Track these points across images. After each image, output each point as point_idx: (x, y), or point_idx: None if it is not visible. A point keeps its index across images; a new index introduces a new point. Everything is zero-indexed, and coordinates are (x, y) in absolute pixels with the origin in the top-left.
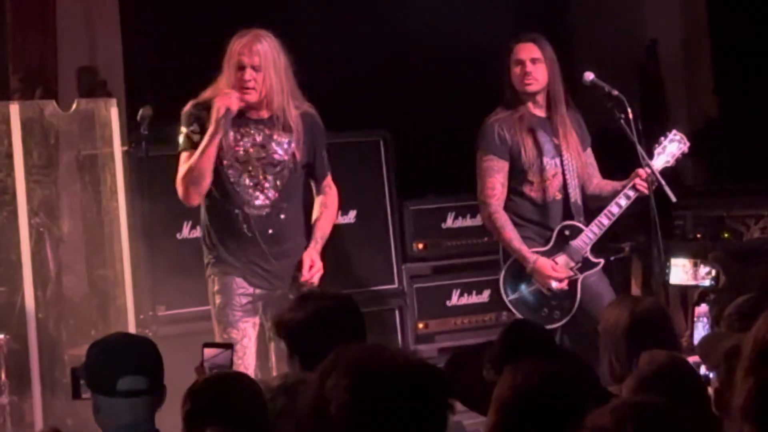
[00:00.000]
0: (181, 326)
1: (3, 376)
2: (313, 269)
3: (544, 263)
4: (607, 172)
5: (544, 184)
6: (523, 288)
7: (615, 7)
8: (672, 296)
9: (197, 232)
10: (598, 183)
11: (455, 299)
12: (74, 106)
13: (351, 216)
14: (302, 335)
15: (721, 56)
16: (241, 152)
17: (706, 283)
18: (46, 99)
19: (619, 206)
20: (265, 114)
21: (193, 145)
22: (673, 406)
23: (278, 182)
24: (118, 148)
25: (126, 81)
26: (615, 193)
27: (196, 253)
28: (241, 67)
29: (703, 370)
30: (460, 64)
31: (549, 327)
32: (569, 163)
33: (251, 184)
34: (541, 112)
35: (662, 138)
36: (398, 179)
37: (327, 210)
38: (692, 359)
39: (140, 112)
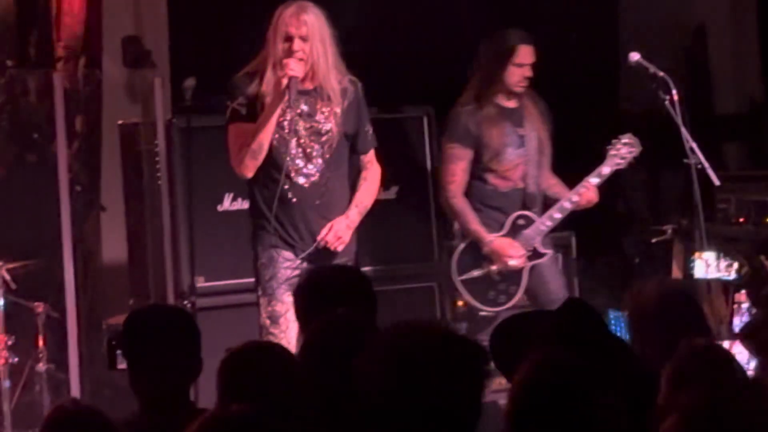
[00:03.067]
0: (220, 298)
1: (41, 344)
2: (329, 235)
3: (501, 242)
4: (650, 155)
5: (506, 174)
6: (474, 270)
7: None
8: (713, 282)
9: (238, 204)
10: (546, 180)
11: None
12: (118, 75)
13: (392, 192)
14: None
15: None
16: (289, 122)
17: (730, 276)
18: (90, 68)
19: (572, 203)
20: (309, 85)
21: (239, 118)
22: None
23: (325, 152)
24: (161, 118)
25: (171, 51)
26: (555, 200)
27: (237, 225)
28: (289, 38)
29: (744, 355)
30: None
31: (493, 310)
32: (531, 155)
33: (300, 153)
34: (511, 104)
35: (615, 140)
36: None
37: (366, 182)
38: (727, 344)
39: (184, 83)
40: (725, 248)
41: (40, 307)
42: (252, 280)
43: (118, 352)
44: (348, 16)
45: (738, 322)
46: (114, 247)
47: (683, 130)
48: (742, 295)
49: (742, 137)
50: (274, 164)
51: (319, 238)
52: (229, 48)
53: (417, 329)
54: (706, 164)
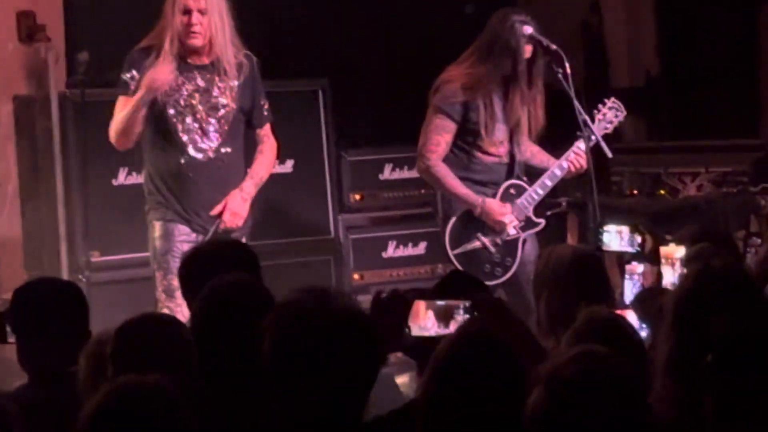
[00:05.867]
0: (114, 272)
1: None
2: (225, 215)
3: (492, 203)
4: (549, 128)
5: (492, 148)
6: (468, 243)
7: None
8: (607, 254)
9: (133, 179)
10: (528, 148)
11: (391, 251)
12: (12, 49)
13: (288, 165)
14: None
15: (663, 13)
16: (185, 97)
17: (632, 249)
18: None
19: (562, 169)
20: (206, 60)
21: (127, 91)
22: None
23: (221, 127)
24: (54, 92)
25: (65, 26)
26: (542, 167)
27: (132, 199)
28: (187, 11)
29: (636, 324)
30: (398, 13)
31: (490, 283)
32: (518, 128)
33: (196, 127)
34: (502, 83)
35: (601, 105)
36: (336, 129)
37: (262, 155)
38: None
39: (78, 56)
40: (620, 220)
41: None
42: (147, 254)
43: (8, 326)
44: None
45: (629, 294)
46: (8, 222)
47: (576, 103)
48: (634, 267)
49: (637, 110)
50: (170, 139)
51: (212, 213)
52: (124, 21)
53: (311, 300)
54: (599, 137)
